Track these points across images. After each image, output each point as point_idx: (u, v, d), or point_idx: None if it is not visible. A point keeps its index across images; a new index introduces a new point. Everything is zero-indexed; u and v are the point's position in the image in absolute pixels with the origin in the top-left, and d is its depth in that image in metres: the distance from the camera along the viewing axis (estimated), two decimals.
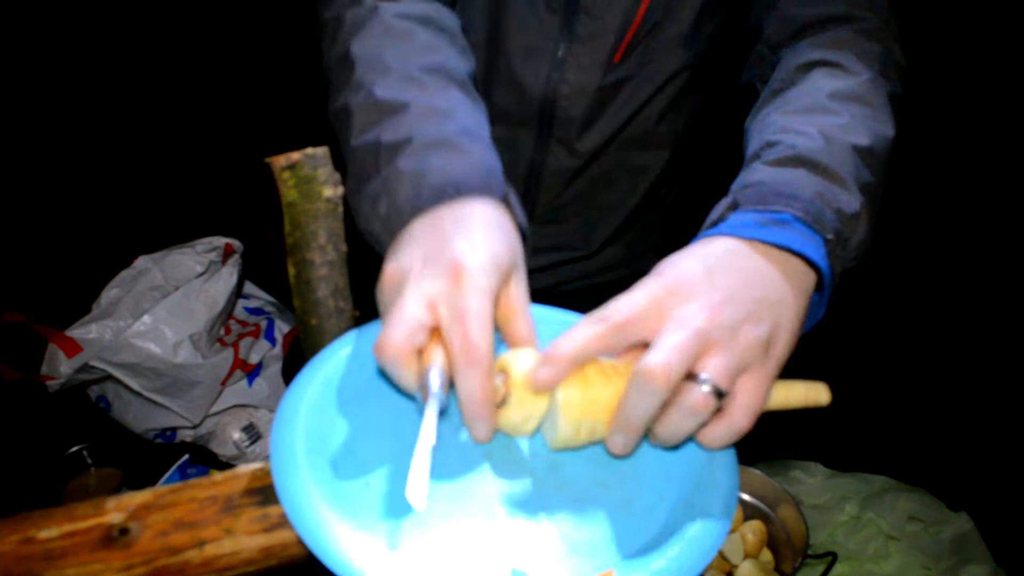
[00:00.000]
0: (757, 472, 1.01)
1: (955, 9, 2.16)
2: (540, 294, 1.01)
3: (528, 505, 0.44)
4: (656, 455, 0.48)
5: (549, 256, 0.98)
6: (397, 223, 0.52)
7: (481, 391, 0.44)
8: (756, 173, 0.54)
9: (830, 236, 0.50)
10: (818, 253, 0.49)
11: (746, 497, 1.01)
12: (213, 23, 2.33)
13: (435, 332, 0.46)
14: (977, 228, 2.26)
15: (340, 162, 0.57)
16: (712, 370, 0.43)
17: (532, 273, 0.98)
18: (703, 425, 0.45)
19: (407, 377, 0.45)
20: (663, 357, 0.42)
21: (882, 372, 1.90)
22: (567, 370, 0.44)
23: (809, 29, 0.70)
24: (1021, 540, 1.03)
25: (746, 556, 0.94)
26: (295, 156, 0.53)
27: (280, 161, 0.53)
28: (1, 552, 0.42)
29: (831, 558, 0.95)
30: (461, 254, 0.46)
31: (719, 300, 0.45)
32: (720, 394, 0.43)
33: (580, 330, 0.44)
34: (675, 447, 0.46)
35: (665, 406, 0.43)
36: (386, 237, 0.53)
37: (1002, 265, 2.14)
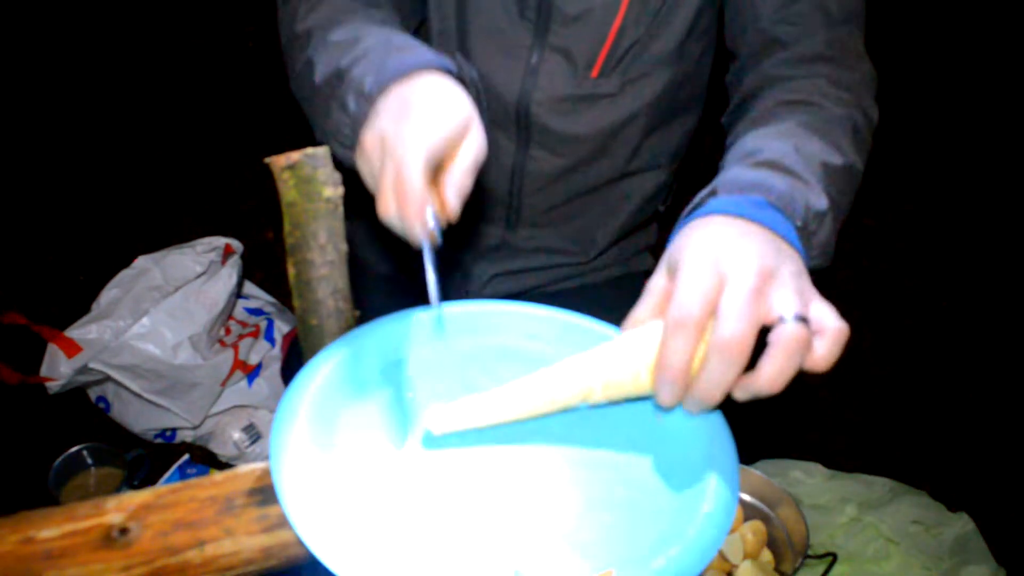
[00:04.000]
0: (757, 472, 1.01)
1: (955, 9, 2.16)
2: (532, 292, 1.01)
3: (529, 505, 0.44)
4: (656, 455, 0.48)
5: (544, 258, 0.98)
6: (366, 107, 0.59)
7: (411, 184, 0.51)
8: (731, 171, 0.58)
9: (799, 223, 0.53)
10: (792, 236, 0.52)
11: (746, 497, 1.01)
12: (214, 24, 2.33)
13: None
14: (977, 228, 2.26)
15: (340, 162, 0.58)
16: (785, 305, 0.45)
17: (525, 272, 0.99)
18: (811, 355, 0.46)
19: (408, 227, 0.53)
20: (733, 326, 0.44)
21: (883, 373, 1.91)
22: (684, 381, 0.46)
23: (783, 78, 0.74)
24: (1021, 540, 1.03)
25: (746, 556, 0.94)
26: (295, 156, 0.53)
27: (280, 161, 0.53)
28: (1, 552, 0.42)
29: (831, 558, 0.95)
30: (414, 109, 0.55)
31: (755, 254, 0.47)
32: (804, 319, 0.45)
33: (673, 342, 0.45)
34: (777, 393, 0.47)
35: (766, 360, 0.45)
36: (357, 132, 0.60)
37: (1002, 265, 2.14)
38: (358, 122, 0.59)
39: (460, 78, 0.62)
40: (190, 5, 2.49)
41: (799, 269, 0.49)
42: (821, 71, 0.72)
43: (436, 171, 0.55)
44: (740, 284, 0.45)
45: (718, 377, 0.44)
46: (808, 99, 0.69)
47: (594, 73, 0.82)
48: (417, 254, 0.54)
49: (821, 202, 0.56)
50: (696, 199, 0.56)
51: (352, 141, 0.61)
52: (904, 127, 2.41)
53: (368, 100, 0.59)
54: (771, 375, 0.45)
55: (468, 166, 0.56)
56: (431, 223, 0.52)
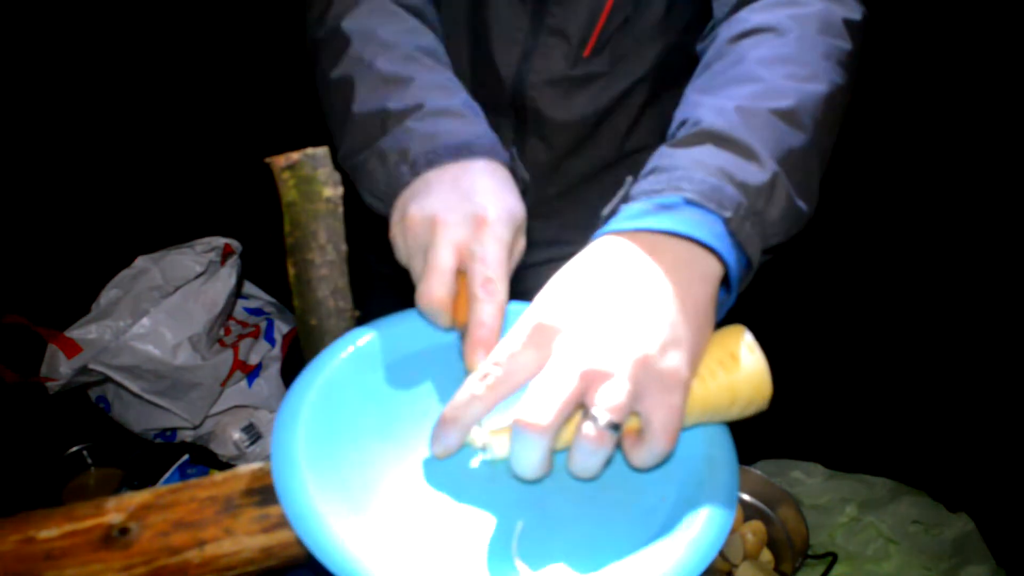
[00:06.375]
0: (757, 472, 1.02)
1: (955, 8, 2.16)
2: (532, 293, 1.01)
3: (528, 506, 0.44)
4: None
5: (544, 252, 0.98)
6: (408, 176, 0.56)
7: (492, 320, 0.49)
8: (656, 158, 0.53)
9: (729, 214, 0.47)
10: (712, 232, 0.46)
11: (746, 497, 1.01)
12: (213, 23, 2.33)
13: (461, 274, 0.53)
14: (977, 229, 2.26)
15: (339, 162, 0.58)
16: (600, 404, 0.41)
17: (529, 269, 0.99)
18: (629, 447, 0.44)
19: (445, 319, 0.52)
20: (535, 406, 0.41)
21: (883, 373, 1.91)
22: (462, 437, 0.45)
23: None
24: (1021, 540, 1.03)
25: (746, 556, 0.94)
26: (295, 156, 0.53)
27: (280, 161, 0.53)
28: (1, 552, 0.42)
29: (831, 558, 0.95)
30: (484, 206, 0.53)
31: (597, 323, 0.43)
32: (615, 426, 0.41)
33: (463, 393, 0.44)
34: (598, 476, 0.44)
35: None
36: (393, 190, 0.57)
37: (1002, 266, 2.14)
38: (396, 184, 0.57)
39: (512, 169, 0.60)
40: (190, 5, 2.49)
41: (672, 338, 0.43)
42: None
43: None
44: (558, 365, 0.42)
45: (520, 453, 0.42)
46: (762, 24, 0.62)
47: (586, 52, 0.82)
48: None
49: (763, 174, 0.50)
50: (609, 208, 0.54)
51: (382, 195, 0.59)
52: (902, 125, 2.41)
53: (413, 170, 0.56)
54: (573, 466, 0.43)
55: (512, 270, 0.54)
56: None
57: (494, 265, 0.51)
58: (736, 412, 0.46)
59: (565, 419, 0.41)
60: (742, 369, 0.45)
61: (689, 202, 0.47)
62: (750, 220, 0.49)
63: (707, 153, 0.50)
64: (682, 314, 0.44)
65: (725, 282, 0.49)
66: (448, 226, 0.52)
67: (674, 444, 0.42)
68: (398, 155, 0.57)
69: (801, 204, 0.53)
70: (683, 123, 0.55)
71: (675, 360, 0.43)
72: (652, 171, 0.52)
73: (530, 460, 0.42)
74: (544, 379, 0.42)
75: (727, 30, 0.65)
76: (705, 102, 0.55)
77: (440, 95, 0.61)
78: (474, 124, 0.59)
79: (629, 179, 0.53)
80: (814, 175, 0.55)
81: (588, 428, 0.41)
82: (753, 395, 0.45)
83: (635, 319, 0.43)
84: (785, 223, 0.52)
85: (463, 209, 0.52)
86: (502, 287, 0.50)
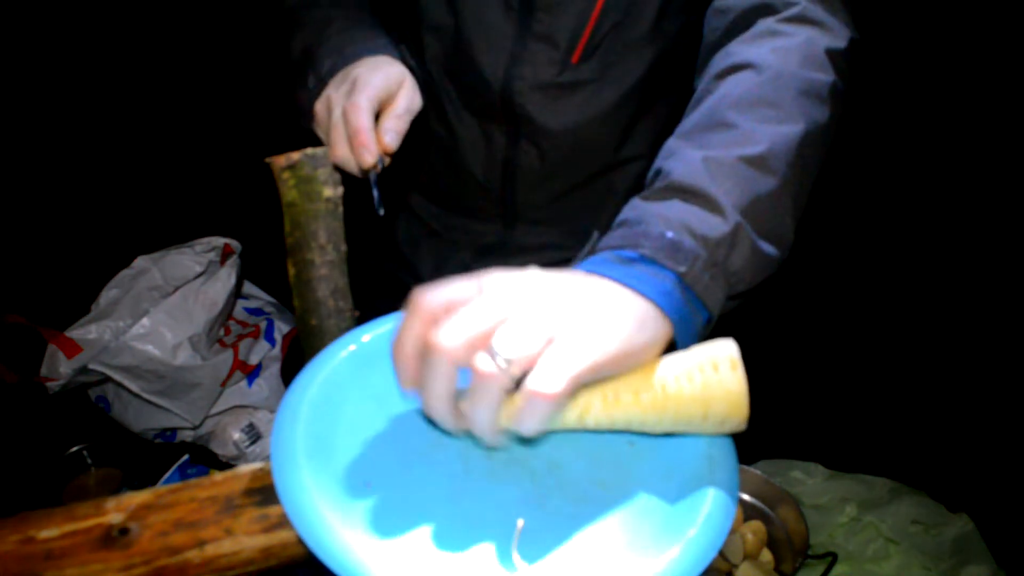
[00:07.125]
0: (757, 472, 1.02)
1: (954, 7, 2.16)
2: None
3: (528, 505, 0.44)
4: (656, 456, 0.48)
5: (541, 256, 0.98)
6: (320, 87, 0.74)
7: (362, 122, 0.67)
8: (627, 210, 0.54)
9: (683, 269, 0.48)
10: (658, 288, 0.47)
11: (746, 497, 1.01)
12: (213, 23, 2.33)
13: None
14: (976, 229, 2.26)
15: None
16: (499, 339, 0.41)
17: None
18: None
19: (354, 166, 0.68)
20: (440, 333, 0.41)
21: (882, 373, 1.91)
22: (399, 362, 0.44)
23: (739, 25, 0.69)
24: (1021, 540, 1.03)
25: (746, 556, 0.94)
26: (295, 156, 0.53)
27: (280, 161, 0.53)
28: (1, 552, 0.42)
29: (831, 558, 0.95)
30: (357, 75, 0.71)
31: (519, 287, 0.44)
32: (509, 362, 0.41)
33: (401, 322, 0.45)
34: (488, 431, 0.43)
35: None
36: (313, 102, 0.75)
37: (1002, 266, 2.14)
38: (315, 96, 0.73)
39: (404, 62, 0.75)
40: (190, 6, 2.49)
41: (589, 323, 0.43)
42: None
43: (376, 119, 0.69)
44: (472, 304, 0.42)
45: (430, 381, 0.42)
46: (743, 61, 0.62)
47: (575, 59, 0.83)
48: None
49: (724, 225, 0.50)
50: (580, 255, 0.55)
51: (309, 110, 0.74)
52: (899, 128, 2.42)
53: (322, 82, 0.73)
54: (466, 403, 0.43)
55: (402, 111, 0.70)
56: (376, 151, 0.67)
57: (359, 95, 0.68)
58: (711, 427, 0.46)
59: (472, 350, 0.41)
60: (720, 381, 0.45)
61: (644, 258, 0.48)
62: (710, 272, 0.49)
63: (671, 207, 0.51)
64: (606, 316, 0.44)
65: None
66: (337, 100, 0.70)
67: (543, 400, 0.41)
68: (315, 77, 0.75)
69: (769, 249, 0.53)
70: (658, 173, 0.56)
71: (591, 336, 0.43)
72: (620, 224, 0.53)
73: (438, 387, 0.41)
74: (469, 308, 0.42)
75: (715, 64, 0.65)
76: (679, 152, 0.56)
77: (350, 26, 0.79)
78: (370, 41, 0.76)
79: (596, 234, 0.55)
80: (786, 217, 0.56)
81: (481, 360, 0.41)
82: (728, 412, 0.45)
83: (560, 297, 0.44)
84: (750, 270, 0.52)
85: (345, 85, 0.70)
86: (355, 100, 0.67)
